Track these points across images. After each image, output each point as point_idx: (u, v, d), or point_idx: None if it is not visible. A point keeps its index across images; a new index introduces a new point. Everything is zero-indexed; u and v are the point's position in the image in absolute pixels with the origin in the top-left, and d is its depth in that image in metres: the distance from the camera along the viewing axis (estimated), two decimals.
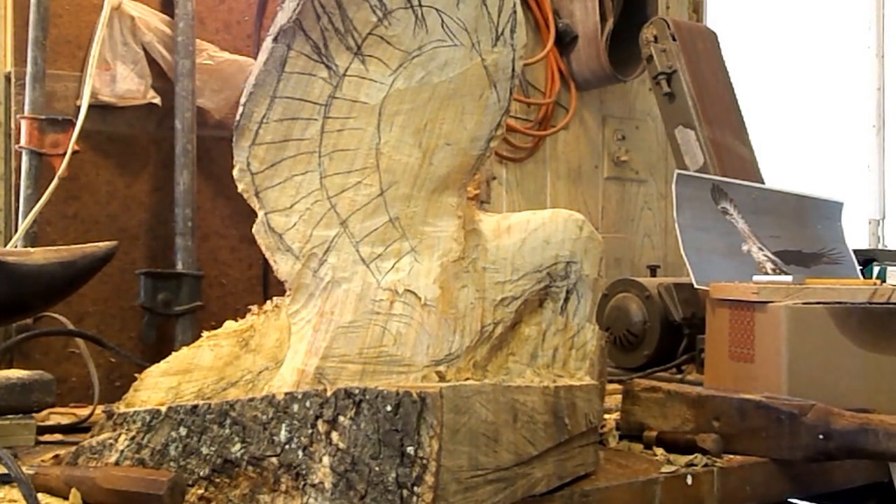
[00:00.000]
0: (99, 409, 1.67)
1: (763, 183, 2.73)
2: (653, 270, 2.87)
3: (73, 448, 1.28)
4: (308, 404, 1.13)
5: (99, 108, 2.05)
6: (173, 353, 1.38)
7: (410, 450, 1.07)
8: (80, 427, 1.68)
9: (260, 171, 1.25)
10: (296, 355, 1.25)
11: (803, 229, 2.53)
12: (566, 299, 1.46)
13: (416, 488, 1.06)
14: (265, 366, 1.33)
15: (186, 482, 1.18)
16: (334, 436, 1.10)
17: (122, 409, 1.27)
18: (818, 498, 1.83)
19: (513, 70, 1.36)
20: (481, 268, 1.36)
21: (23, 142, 1.96)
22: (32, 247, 1.83)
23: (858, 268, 2.57)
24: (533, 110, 3.11)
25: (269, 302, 1.40)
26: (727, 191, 2.41)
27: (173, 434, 1.20)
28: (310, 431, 1.12)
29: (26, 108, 1.97)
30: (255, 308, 1.42)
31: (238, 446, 1.17)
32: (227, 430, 1.18)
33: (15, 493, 1.22)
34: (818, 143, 4.21)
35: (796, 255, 2.46)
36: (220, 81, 2.19)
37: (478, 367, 1.33)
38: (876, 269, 2.77)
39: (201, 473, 1.18)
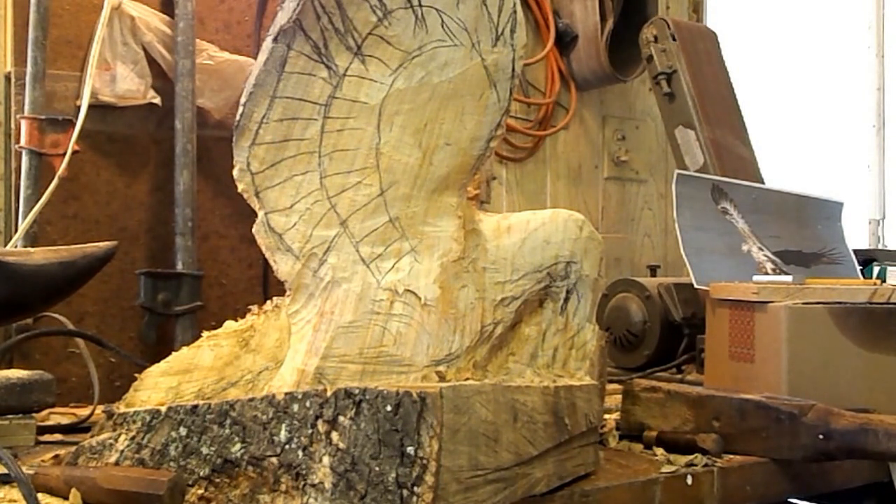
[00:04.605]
0: (99, 409, 1.67)
1: (763, 183, 2.73)
2: (653, 270, 2.87)
3: (73, 448, 1.28)
4: (308, 404, 1.13)
5: (99, 108, 2.05)
6: (173, 353, 1.38)
7: (410, 450, 1.07)
8: (80, 427, 1.68)
9: (260, 171, 1.25)
10: (296, 355, 1.25)
11: (803, 229, 2.53)
12: (566, 299, 1.46)
13: (416, 488, 1.06)
14: (265, 366, 1.33)
15: (186, 482, 1.18)
16: (334, 436, 1.10)
17: (122, 409, 1.27)
18: (818, 498, 1.83)
19: (513, 70, 1.36)
20: (481, 268, 1.36)
21: (23, 142, 1.96)
22: (32, 247, 1.83)
23: (858, 268, 2.57)
24: (533, 110, 3.11)
25: (269, 302, 1.40)
26: (727, 191, 2.41)
27: (173, 434, 1.20)
28: (310, 431, 1.12)
29: (26, 108, 1.97)
30: (255, 308, 1.41)
31: (238, 446, 1.17)
32: (227, 430, 1.18)
33: (15, 493, 1.22)
34: (818, 143, 4.21)
35: (796, 255, 2.46)
36: (220, 81, 2.19)
37: (478, 367, 1.32)
38: (876, 269, 2.77)
39: (201, 473, 1.18)
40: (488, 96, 1.34)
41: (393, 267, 1.28)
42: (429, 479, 1.06)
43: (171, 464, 1.20)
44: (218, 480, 1.17)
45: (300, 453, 1.13)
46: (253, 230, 1.26)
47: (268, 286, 2.25)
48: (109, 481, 1.16)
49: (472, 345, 1.31)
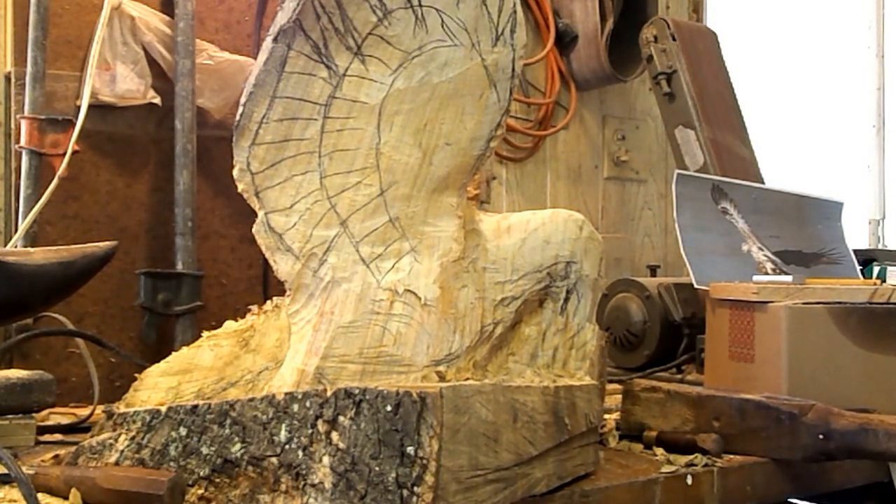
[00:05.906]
0: (99, 409, 1.67)
1: (763, 183, 2.73)
2: (653, 270, 2.87)
3: (73, 448, 1.28)
4: (308, 404, 1.13)
5: (99, 108, 2.05)
6: (173, 353, 1.38)
7: (410, 450, 1.07)
8: (80, 427, 1.68)
9: (260, 171, 1.25)
10: (296, 355, 1.25)
11: (803, 229, 2.53)
12: (566, 299, 1.46)
13: (416, 488, 1.06)
14: (265, 366, 1.33)
15: (186, 482, 1.18)
16: (334, 436, 1.10)
17: (122, 409, 1.27)
18: (818, 498, 1.83)
19: (513, 70, 1.36)
20: (481, 268, 1.36)
21: (23, 142, 1.96)
22: (32, 247, 1.83)
23: (858, 268, 2.57)
24: (533, 110, 3.11)
25: (269, 302, 1.40)
26: (727, 191, 2.41)
27: (173, 434, 1.20)
28: (310, 431, 1.12)
29: (26, 108, 1.97)
30: (255, 308, 1.42)
31: (238, 446, 1.17)
32: (227, 430, 1.18)
33: (15, 493, 1.22)
34: (818, 143, 4.21)
35: (796, 255, 2.46)
36: (220, 81, 2.19)
37: (478, 367, 1.33)
38: (876, 269, 2.77)
39: (201, 473, 1.18)
40: (488, 96, 1.34)
41: (393, 267, 1.28)
42: (429, 479, 1.06)
43: (171, 464, 1.20)
44: (218, 480, 1.18)
45: (300, 453, 1.13)
46: (253, 230, 1.26)
47: (268, 286, 2.25)
48: (109, 481, 1.16)
49: (472, 345, 1.31)
